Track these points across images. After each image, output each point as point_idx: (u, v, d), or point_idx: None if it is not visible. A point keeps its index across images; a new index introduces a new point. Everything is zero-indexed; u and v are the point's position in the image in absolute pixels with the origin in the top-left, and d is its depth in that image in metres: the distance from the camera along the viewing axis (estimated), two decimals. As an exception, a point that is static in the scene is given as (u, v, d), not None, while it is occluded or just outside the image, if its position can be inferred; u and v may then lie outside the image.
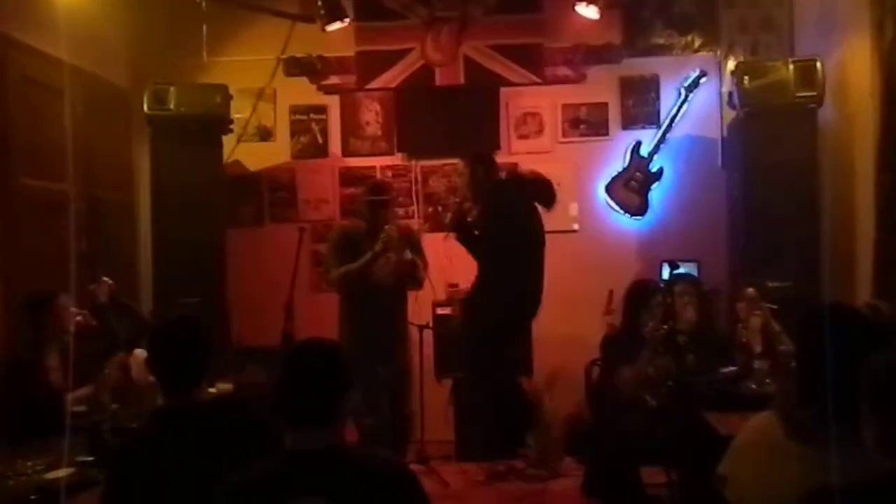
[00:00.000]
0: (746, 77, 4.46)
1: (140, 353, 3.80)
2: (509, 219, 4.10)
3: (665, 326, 3.40)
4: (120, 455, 2.07)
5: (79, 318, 3.40)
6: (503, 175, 4.42)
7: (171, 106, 4.63)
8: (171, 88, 4.64)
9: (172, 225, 4.68)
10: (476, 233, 4.26)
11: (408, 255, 4.04)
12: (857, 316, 1.88)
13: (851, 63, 4.29)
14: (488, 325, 4.11)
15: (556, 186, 5.14)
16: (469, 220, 4.23)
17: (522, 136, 5.28)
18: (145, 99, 4.65)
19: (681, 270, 3.55)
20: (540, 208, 4.28)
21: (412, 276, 4.11)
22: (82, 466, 2.58)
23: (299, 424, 1.63)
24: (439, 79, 5.23)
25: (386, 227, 4.01)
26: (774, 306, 3.65)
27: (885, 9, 3.75)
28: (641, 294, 3.60)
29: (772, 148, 4.42)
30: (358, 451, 1.75)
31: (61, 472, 2.51)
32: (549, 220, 5.20)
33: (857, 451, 1.42)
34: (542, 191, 4.16)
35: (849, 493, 1.28)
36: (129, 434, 2.46)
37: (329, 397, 1.65)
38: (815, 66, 4.35)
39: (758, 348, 3.53)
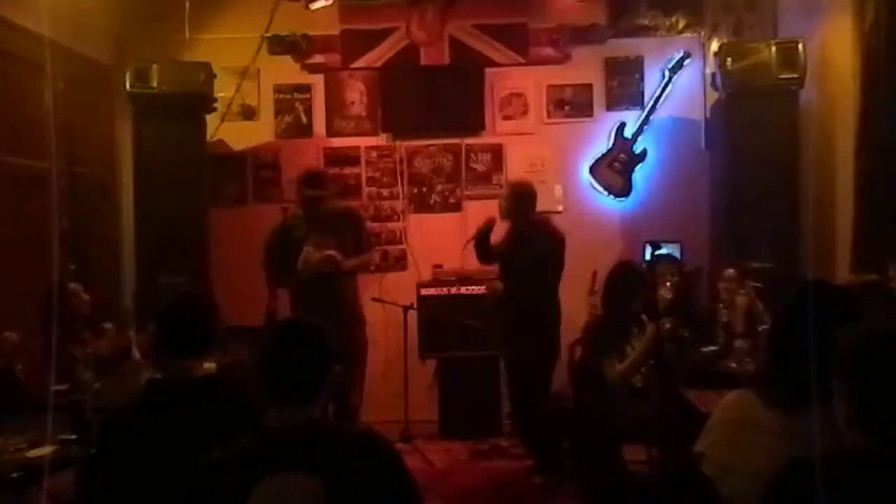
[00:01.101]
0: (729, 59, 4.49)
1: (124, 332, 3.81)
2: (532, 264, 4.02)
3: (668, 322, 3.39)
4: (109, 423, 2.09)
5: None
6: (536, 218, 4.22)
7: (154, 84, 4.59)
8: (154, 66, 4.60)
9: (155, 203, 4.65)
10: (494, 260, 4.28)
11: (332, 253, 3.94)
12: (837, 292, 1.91)
13: (833, 44, 4.33)
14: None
15: (541, 168, 5.23)
16: (492, 244, 4.21)
17: (507, 117, 5.28)
18: (127, 76, 4.61)
19: (662, 251, 3.57)
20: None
21: (334, 269, 3.96)
22: (64, 444, 2.59)
23: (281, 401, 1.64)
24: (424, 58, 5.20)
25: (304, 251, 3.94)
26: (758, 285, 3.70)
27: (866, -9, 3.78)
28: (624, 279, 3.61)
29: (754, 129, 4.46)
30: (339, 426, 1.77)
31: (44, 450, 2.52)
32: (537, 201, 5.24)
33: (832, 424, 1.45)
34: (561, 247, 4.10)
35: (818, 469, 1.31)
36: (112, 412, 2.47)
37: (311, 374, 1.66)
38: (796, 47, 4.38)
39: (739, 327, 3.58)
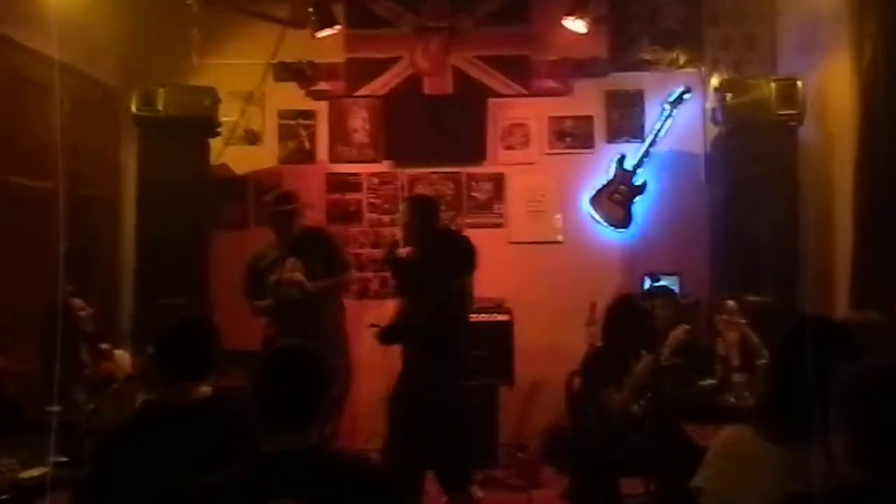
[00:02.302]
0: (729, 94, 4.54)
1: (121, 354, 3.80)
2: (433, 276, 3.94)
3: (668, 355, 3.42)
4: (104, 444, 2.08)
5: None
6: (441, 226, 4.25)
7: (160, 107, 4.63)
8: (160, 89, 4.64)
9: (157, 225, 4.67)
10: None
11: (296, 275, 4.01)
12: (836, 328, 1.92)
13: (832, 82, 4.38)
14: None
15: (541, 198, 5.26)
16: (401, 255, 4.13)
17: (509, 147, 5.33)
18: (134, 99, 4.65)
19: (659, 283, 3.59)
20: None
21: (301, 293, 4.02)
22: (56, 466, 2.56)
23: (277, 426, 1.64)
24: (428, 88, 5.26)
25: (274, 274, 4.05)
26: (743, 320, 3.72)
27: (863, 30, 3.83)
28: (625, 312, 3.62)
29: (753, 164, 4.49)
30: (336, 453, 1.76)
31: (35, 472, 2.50)
32: (535, 231, 5.27)
33: (830, 459, 1.45)
34: (467, 257, 3.97)
35: None
36: (107, 433, 2.45)
37: (307, 399, 1.66)
38: (795, 85, 4.43)
39: (735, 361, 3.58)
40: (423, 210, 4.07)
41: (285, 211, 4.13)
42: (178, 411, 2.03)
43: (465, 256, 3.93)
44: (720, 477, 1.76)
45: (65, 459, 2.62)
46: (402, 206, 4.48)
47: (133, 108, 4.65)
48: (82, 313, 3.53)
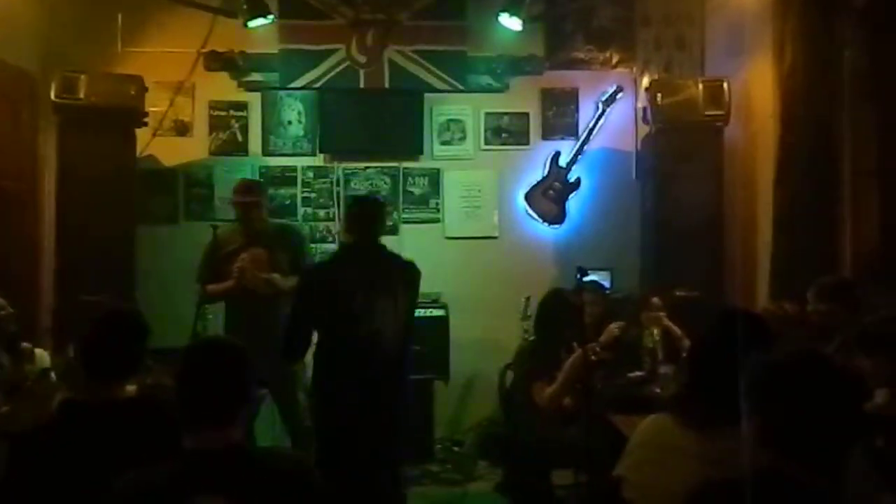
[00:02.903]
0: (659, 94, 4.66)
1: (41, 353, 3.63)
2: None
3: (599, 350, 3.48)
4: (19, 446, 1.98)
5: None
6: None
7: (82, 95, 4.44)
8: (82, 77, 4.45)
9: (79, 219, 4.48)
10: None
11: (274, 276, 3.84)
12: (752, 318, 1.98)
13: (756, 84, 4.54)
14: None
15: (478, 193, 5.28)
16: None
17: (445, 142, 5.33)
18: (53, 86, 4.45)
19: (589, 278, 3.65)
20: None
21: (272, 292, 3.85)
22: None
23: (198, 424, 1.59)
24: (364, 81, 5.20)
25: (239, 259, 3.85)
26: (663, 314, 3.85)
27: (784, 34, 3.98)
28: (556, 306, 3.67)
29: (682, 162, 4.62)
30: (259, 450, 1.73)
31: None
32: (471, 226, 5.29)
33: (745, 445, 1.49)
34: None
35: (729, 490, 1.35)
36: (23, 434, 2.34)
37: (229, 396, 1.61)
38: (722, 86, 4.58)
39: (661, 354, 3.68)
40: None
41: (250, 202, 4.00)
42: (101, 411, 1.94)
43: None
44: (641, 465, 1.80)
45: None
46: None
47: (52, 96, 4.45)
48: (2, 313, 3.36)
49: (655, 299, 3.90)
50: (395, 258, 3.28)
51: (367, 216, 3.27)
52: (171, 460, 1.59)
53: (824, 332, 2.99)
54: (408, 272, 3.24)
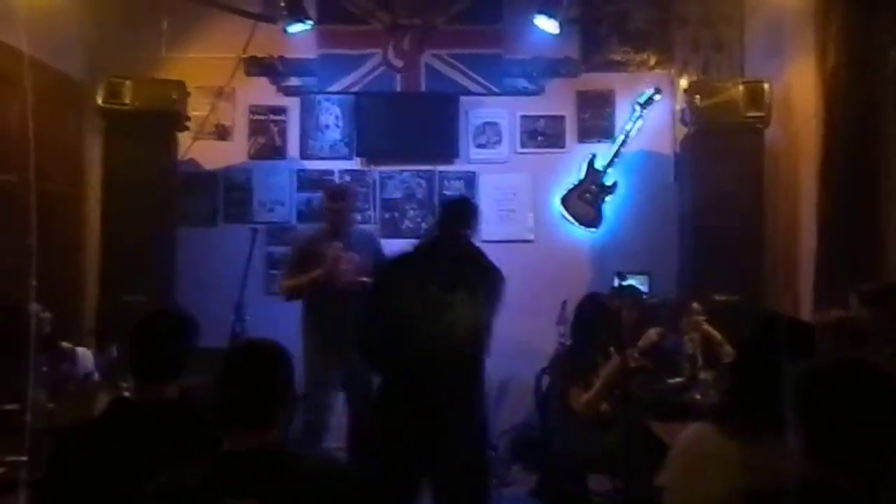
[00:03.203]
0: (698, 96, 4.59)
1: (83, 351, 3.73)
2: None
3: (637, 356, 3.45)
4: (64, 442, 2.02)
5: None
6: None
7: (127, 100, 4.55)
8: (127, 82, 4.57)
9: (122, 221, 4.59)
10: None
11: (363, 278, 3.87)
12: (798, 325, 1.95)
13: (797, 85, 4.45)
14: None
15: (513, 196, 5.27)
16: None
17: (481, 146, 5.33)
18: (99, 92, 4.57)
19: (626, 283, 3.62)
20: None
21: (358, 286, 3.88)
22: (13, 466, 2.50)
23: (237, 425, 1.61)
24: (400, 85, 5.24)
25: (332, 247, 3.94)
26: (704, 319, 3.79)
27: (827, 34, 3.90)
28: (592, 310, 3.65)
29: (721, 165, 4.54)
30: (297, 453, 1.75)
31: (-8, 471, 2.44)
32: (506, 230, 5.28)
33: (790, 455, 1.47)
34: None
35: (772, 499, 1.33)
36: (67, 431, 2.40)
37: (267, 399, 1.63)
38: (762, 87, 4.49)
39: (701, 360, 3.63)
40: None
41: (341, 208, 4.08)
42: (147, 410, 1.97)
43: None
44: (682, 474, 1.78)
45: (22, 459, 2.56)
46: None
47: (99, 101, 4.57)
48: (40, 315, 3.44)
49: (696, 304, 3.84)
50: (478, 257, 3.15)
51: (450, 214, 3.21)
52: (206, 460, 1.61)
53: (867, 337, 2.92)
54: (489, 273, 3.10)
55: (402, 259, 3.23)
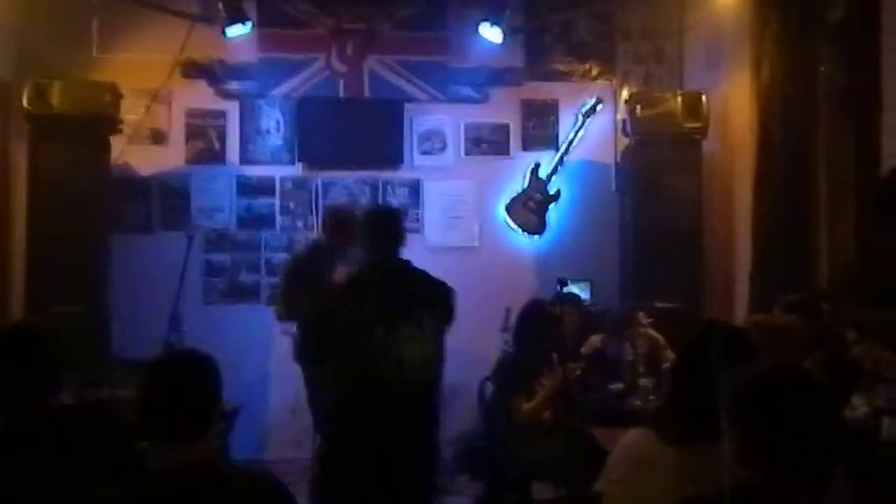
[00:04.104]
0: (638, 106, 4.68)
1: None
2: None
3: (579, 369, 3.46)
4: None
5: None
6: None
7: (55, 102, 4.36)
8: (56, 83, 4.38)
9: (50, 228, 4.39)
10: None
11: None
12: (733, 331, 1.97)
13: (734, 97, 4.58)
14: None
15: (458, 204, 5.26)
16: None
17: (425, 152, 5.31)
18: (25, 94, 4.36)
19: (567, 290, 3.64)
20: None
21: None
22: None
23: (163, 439, 1.53)
24: (343, 90, 5.18)
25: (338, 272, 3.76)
26: (649, 320, 3.83)
27: (762, 49, 4.02)
28: (535, 318, 3.65)
29: (660, 174, 4.65)
30: (229, 467, 1.67)
31: None
32: (451, 236, 5.27)
33: (725, 460, 1.47)
34: None
35: None
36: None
37: (193, 412, 1.56)
38: (700, 99, 4.61)
39: (642, 367, 3.67)
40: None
41: (349, 235, 3.85)
42: (21, 433, 1.82)
43: None
44: (620, 480, 1.77)
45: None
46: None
47: (24, 103, 4.36)
48: None
49: (642, 314, 3.90)
50: (421, 278, 2.98)
51: (386, 229, 2.99)
52: (135, 479, 1.54)
53: (799, 342, 2.99)
54: (435, 295, 2.94)
55: (345, 292, 3.06)
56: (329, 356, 2.83)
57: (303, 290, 3.79)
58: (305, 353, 2.93)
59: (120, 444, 1.77)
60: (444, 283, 3.00)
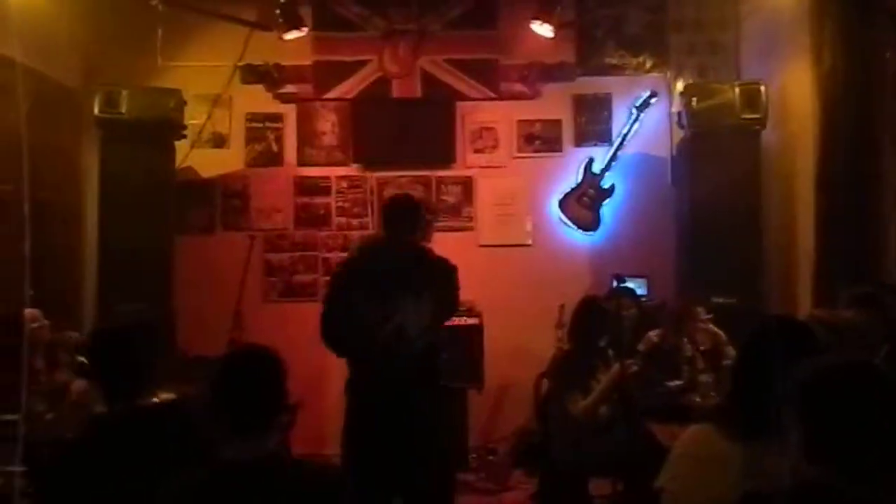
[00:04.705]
0: (694, 98, 4.60)
1: (80, 360, 3.71)
2: None
3: (635, 365, 3.44)
4: (56, 461, 2.02)
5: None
6: None
7: (123, 109, 4.56)
8: (124, 91, 4.57)
9: (119, 230, 4.59)
10: None
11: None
12: (797, 326, 1.94)
13: (793, 87, 4.46)
14: None
15: (511, 201, 5.27)
16: None
17: (478, 150, 5.34)
18: (96, 101, 4.57)
19: (624, 285, 3.62)
20: None
21: None
22: (11, 476, 2.49)
23: (234, 433, 1.61)
24: (396, 91, 5.25)
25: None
26: (711, 324, 3.77)
27: (822, 37, 3.91)
28: (590, 314, 3.63)
29: (718, 167, 4.55)
30: (294, 461, 1.74)
31: (-10, 482, 2.43)
32: (504, 234, 5.28)
33: (789, 457, 1.46)
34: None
35: (772, 502, 1.32)
36: (63, 444, 2.40)
37: (264, 406, 1.63)
38: (758, 89, 4.50)
39: (701, 363, 3.62)
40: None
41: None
42: (126, 422, 1.96)
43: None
44: (682, 476, 1.77)
45: (22, 469, 2.55)
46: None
47: (95, 111, 4.57)
48: (35, 324, 3.44)
49: (700, 309, 3.84)
50: (424, 256, 3.22)
51: (396, 214, 3.28)
52: (206, 470, 1.61)
53: (851, 337, 2.91)
54: (435, 270, 3.20)
55: (355, 262, 3.40)
56: (338, 328, 3.10)
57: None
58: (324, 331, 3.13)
59: (195, 440, 1.87)
60: (445, 261, 3.25)
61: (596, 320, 3.58)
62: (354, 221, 5.30)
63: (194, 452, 1.71)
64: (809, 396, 1.41)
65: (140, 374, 2.04)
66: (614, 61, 5.32)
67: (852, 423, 1.37)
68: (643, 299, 4.47)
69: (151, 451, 1.86)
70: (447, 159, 5.30)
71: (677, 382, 3.66)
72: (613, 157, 5.15)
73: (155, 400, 2.44)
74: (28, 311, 3.42)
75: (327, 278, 5.09)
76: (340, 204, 5.31)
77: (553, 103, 5.32)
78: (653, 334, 3.87)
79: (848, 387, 1.41)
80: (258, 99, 5.29)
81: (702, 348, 3.73)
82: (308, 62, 5.25)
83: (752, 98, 4.50)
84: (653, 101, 5.09)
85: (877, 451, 1.37)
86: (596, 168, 5.15)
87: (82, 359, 3.73)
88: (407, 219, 3.25)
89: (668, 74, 5.26)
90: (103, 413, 2.08)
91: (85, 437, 2.04)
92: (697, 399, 3.44)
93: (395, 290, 3.07)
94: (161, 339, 2.27)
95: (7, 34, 3.64)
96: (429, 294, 3.11)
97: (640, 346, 3.78)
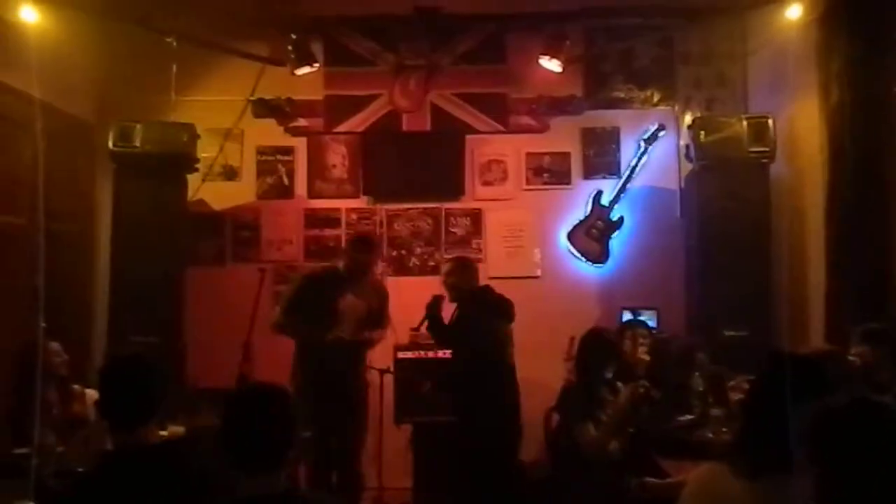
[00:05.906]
0: (702, 132, 4.62)
1: (92, 393, 3.72)
2: (479, 328, 4.20)
3: (641, 387, 3.41)
4: (66, 496, 2.01)
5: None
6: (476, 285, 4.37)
7: (137, 143, 4.62)
8: (138, 126, 4.64)
9: (131, 262, 4.62)
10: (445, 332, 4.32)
11: (369, 335, 4.16)
12: (808, 364, 1.93)
13: (801, 120, 4.49)
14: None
15: (519, 233, 5.30)
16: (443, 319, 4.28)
17: (487, 183, 5.37)
18: (110, 135, 4.64)
19: (634, 317, 3.61)
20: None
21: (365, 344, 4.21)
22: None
23: (248, 470, 1.60)
24: (406, 124, 5.31)
25: (348, 301, 4.10)
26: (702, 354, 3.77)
27: (830, 72, 3.94)
28: (596, 346, 3.62)
29: (727, 200, 4.56)
30: (309, 495, 1.73)
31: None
32: (513, 266, 5.29)
33: (800, 495, 1.44)
34: (507, 308, 4.23)
35: None
36: (74, 478, 2.39)
37: (277, 442, 1.63)
38: (767, 122, 4.52)
39: (712, 397, 3.58)
40: (466, 270, 4.31)
41: (364, 260, 4.17)
42: (133, 459, 1.94)
43: (503, 307, 4.18)
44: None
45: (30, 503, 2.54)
46: (444, 266, 4.55)
47: (110, 144, 4.64)
48: (58, 360, 3.47)
49: (701, 354, 3.83)
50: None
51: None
52: None
53: (869, 376, 2.89)
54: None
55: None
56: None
57: (308, 312, 4.03)
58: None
59: (206, 477, 1.86)
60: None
61: (601, 352, 3.56)
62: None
63: (205, 489, 1.71)
64: (820, 437, 1.40)
65: (148, 405, 2.03)
66: (622, 95, 5.37)
67: (863, 464, 1.36)
68: (654, 331, 4.44)
69: (162, 487, 1.85)
70: (456, 192, 5.33)
71: (688, 417, 3.62)
72: (622, 190, 5.17)
73: (164, 433, 2.43)
74: (51, 345, 3.45)
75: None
76: (350, 236, 5.34)
77: (561, 136, 5.36)
78: (640, 353, 3.88)
79: (858, 428, 1.39)
80: (270, 132, 5.36)
81: (702, 382, 3.70)
82: (319, 97, 5.33)
83: (760, 131, 4.52)
84: (661, 134, 5.12)
85: (888, 492, 1.35)
86: (604, 200, 5.17)
87: (93, 390, 3.75)
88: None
89: (676, 108, 5.30)
90: (115, 448, 2.08)
91: (96, 471, 2.03)
92: (709, 434, 3.39)
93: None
94: (170, 371, 2.27)
95: (25, 70, 3.72)
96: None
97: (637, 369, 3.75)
